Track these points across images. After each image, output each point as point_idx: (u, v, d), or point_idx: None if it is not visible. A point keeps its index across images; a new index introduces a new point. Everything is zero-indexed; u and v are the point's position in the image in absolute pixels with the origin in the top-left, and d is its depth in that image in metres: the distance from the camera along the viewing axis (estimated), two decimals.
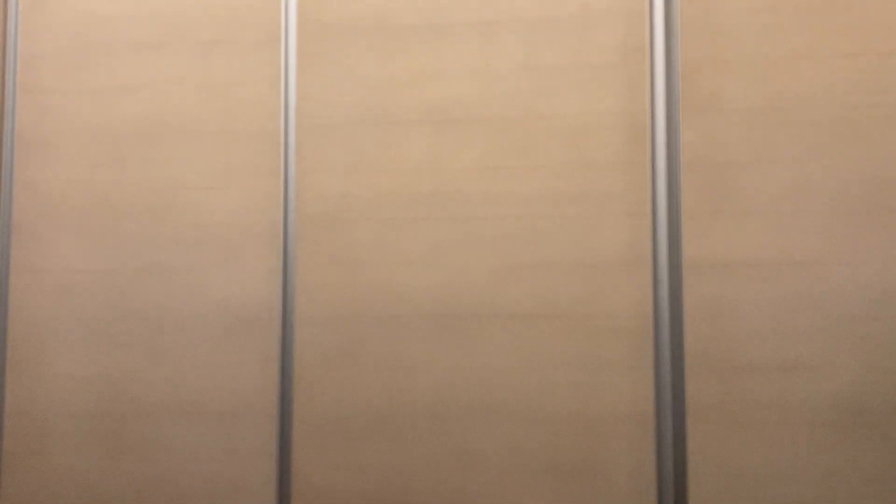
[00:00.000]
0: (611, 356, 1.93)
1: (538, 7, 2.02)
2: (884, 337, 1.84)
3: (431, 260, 2.02)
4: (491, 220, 2.00)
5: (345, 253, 2.05)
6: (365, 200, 2.05)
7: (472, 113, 2.03)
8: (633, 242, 1.94)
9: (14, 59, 2.23)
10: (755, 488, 1.87)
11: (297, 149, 2.08)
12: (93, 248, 2.16)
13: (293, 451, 2.04)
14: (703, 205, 1.91)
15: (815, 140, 1.89)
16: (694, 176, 1.92)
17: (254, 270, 2.09)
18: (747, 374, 1.88)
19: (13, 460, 2.17)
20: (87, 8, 2.22)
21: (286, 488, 2.04)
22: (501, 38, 2.03)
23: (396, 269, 2.03)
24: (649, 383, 1.91)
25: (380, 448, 2.02)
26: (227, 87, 2.13)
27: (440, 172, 2.03)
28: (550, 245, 1.97)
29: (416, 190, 2.03)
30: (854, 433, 1.84)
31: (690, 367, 1.89)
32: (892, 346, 1.84)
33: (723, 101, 1.92)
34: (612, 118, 1.96)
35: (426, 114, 2.04)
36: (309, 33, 2.10)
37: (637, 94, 1.95)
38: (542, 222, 1.98)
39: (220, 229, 2.11)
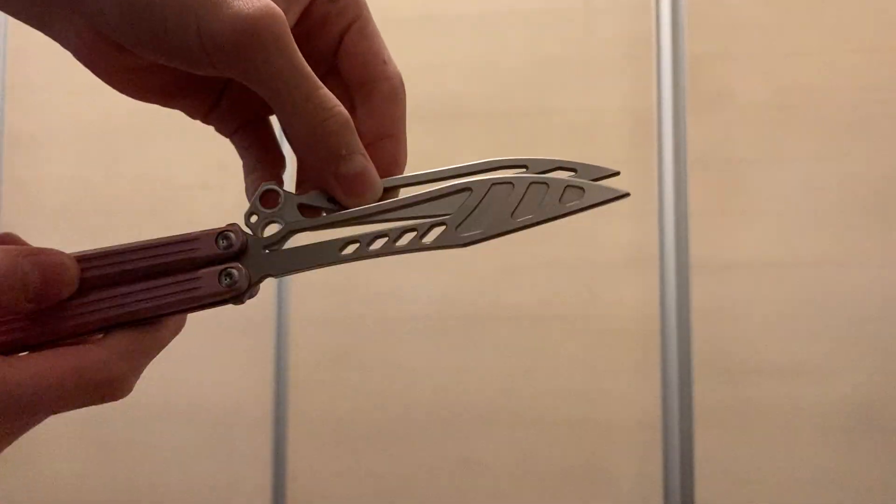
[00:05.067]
0: (616, 359, 1.91)
1: None
2: None
3: (430, 260, 1.99)
4: None
5: None
6: None
7: (471, 108, 1.99)
8: (638, 242, 1.91)
9: (2, 54, 2.20)
10: (763, 494, 1.84)
11: None
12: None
13: (288, 455, 2.01)
14: (711, 203, 1.88)
15: (827, 138, 1.86)
16: (701, 174, 1.89)
17: None
18: (756, 376, 1.85)
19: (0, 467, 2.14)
20: None
21: (281, 494, 2.01)
22: (502, 30, 2.00)
23: (395, 269, 2.00)
24: (655, 386, 1.88)
25: (378, 453, 1.99)
26: None
27: None
28: (553, 244, 1.94)
29: None
30: (865, 437, 1.82)
31: (698, 369, 1.86)
32: None
33: (731, 97, 1.89)
34: (617, 114, 1.93)
35: (424, 109, 2.01)
36: None
37: (642, 90, 1.92)
38: None
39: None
